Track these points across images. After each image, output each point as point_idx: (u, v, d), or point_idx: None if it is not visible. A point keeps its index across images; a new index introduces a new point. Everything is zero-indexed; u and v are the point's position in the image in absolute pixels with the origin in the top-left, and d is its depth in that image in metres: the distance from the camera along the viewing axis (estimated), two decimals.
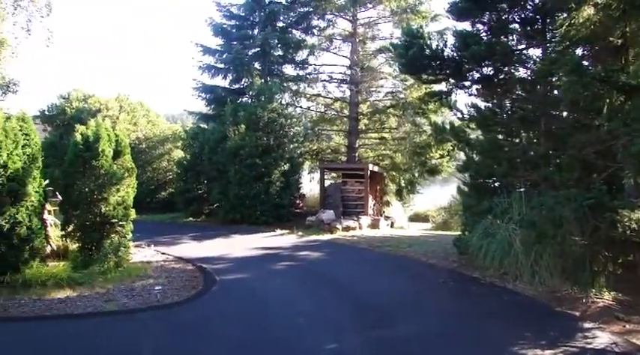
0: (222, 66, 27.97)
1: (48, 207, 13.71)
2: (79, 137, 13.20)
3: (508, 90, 13.79)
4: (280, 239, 19.22)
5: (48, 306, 10.89)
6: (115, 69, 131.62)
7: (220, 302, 11.37)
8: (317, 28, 28.46)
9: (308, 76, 28.43)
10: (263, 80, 26.19)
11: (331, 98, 29.61)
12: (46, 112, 34.15)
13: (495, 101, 13.98)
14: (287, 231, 20.68)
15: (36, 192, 12.20)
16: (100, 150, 12.84)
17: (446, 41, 13.56)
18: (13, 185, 11.65)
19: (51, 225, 13.98)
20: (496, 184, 13.82)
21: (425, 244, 18.14)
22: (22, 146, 12.12)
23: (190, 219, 25.34)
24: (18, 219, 11.63)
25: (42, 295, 11.44)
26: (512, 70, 13.63)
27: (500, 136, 14.01)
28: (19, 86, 17.66)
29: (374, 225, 22.98)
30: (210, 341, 8.92)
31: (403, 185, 29.02)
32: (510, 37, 13.65)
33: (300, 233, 20.13)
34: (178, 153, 30.62)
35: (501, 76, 13.69)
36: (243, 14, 28.38)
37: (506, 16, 13.42)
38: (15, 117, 12.77)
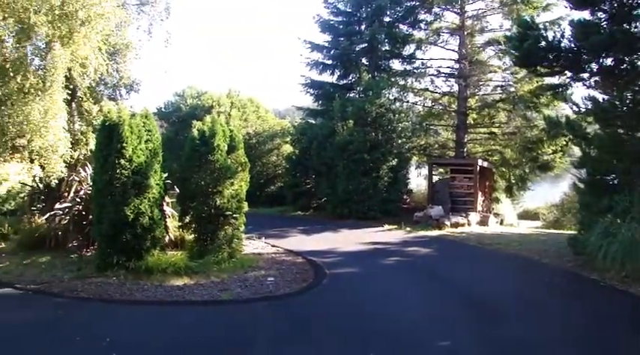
0: (329, 62, 28.30)
1: (167, 199, 14.44)
2: (195, 132, 13.82)
3: (630, 81, 13.04)
4: (388, 234, 19.23)
5: (168, 292, 11.55)
6: (226, 66, 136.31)
7: (331, 295, 11.58)
8: (424, 22, 28.10)
9: (415, 71, 28.19)
10: (370, 75, 26.23)
11: (439, 93, 29.18)
12: (163, 109, 35.99)
13: (616, 93, 13.26)
14: (395, 226, 20.64)
15: (157, 184, 12.92)
16: (215, 145, 13.37)
17: (563, 31, 13.04)
18: (138, 178, 12.43)
19: (169, 216, 14.73)
20: (615, 181, 13.12)
21: (536, 242, 17.55)
22: (145, 141, 12.89)
23: (299, 212, 25.84)
24: (141, 210, 12.39)
25: (162, 281, 12.14)
26: (636, 60, 12.87)
27: (621, 131, 13.28)
28: (140, 85, 18.65)
29: (483, 221, 22.48)
30: (323, 332, 9.12)
31: (513, 181, 28.18)
32: (634, 25, 12.88)
33: (407, 228, 20.04)
34: (287, 148, 31.28)
35: (623, 67, 12.97)
36: (350, 10, 28.53)
37: (630, 1, 12.67)
38: (139, 114, 13.58)
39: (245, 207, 14.01)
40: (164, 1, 18.32)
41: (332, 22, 28.48)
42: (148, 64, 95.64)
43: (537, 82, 22.27)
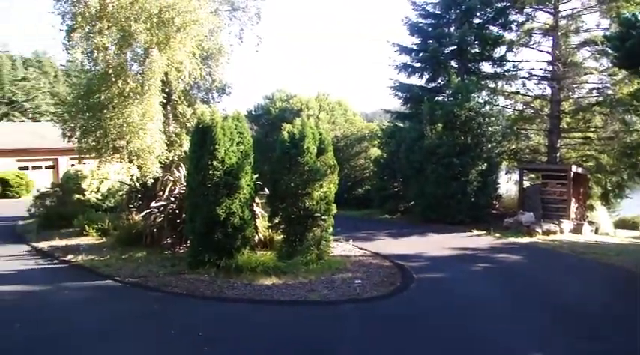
0: (418, 64, 27.97)
1: (257, 199, 14.73)
2: (285, 135, 14.02)
3: None
4: (476, 240, 18.81)
5: (257, 291, 11.79)
6: (315, 69, 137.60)
7: (419, 299, 11.46)
8: (515, 23, 27.21)
9: (506, 73, 27.39)
10: (460, 78, 25.74)
11: (530, 96, 28.19)
12: (253, 112, 36.74)
13: None
14: (483, 232, 20.17)
15: (248, 185, 13.21)
16: (305, 147, 13.52)
17: None
18: (229, 179, 12.76)
19: (259, 217, 15.02)
20: None
21: (635, 253, 16.69)
22: (237, 143, 13.22)
23: (386, 216, 25.70)
24: (232, 210, 12.71)
25: (251, 280, 12.40)
26: None
27: None
28: (232, 89, 19.16)
29: (576, 229, 21.55)
30: (410, 335, 9.07)
31: (609, 188, 26.81)
32: None
33: (497, 234, 19.53)
34: (375, 151, 31.18)
35: None
36: (439, 12, 28.08)
37: None
38: (231, 116, 13.95)
39: (334, 209, 14.07)
40: (254, 7, 18.82)
41: (421, 25, 28.16)
42: (239, 67, 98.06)
43: (638, 83, 21.18)
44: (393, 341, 8.85)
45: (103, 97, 15.49)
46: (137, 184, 18.23)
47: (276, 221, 14.35)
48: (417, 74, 27.99)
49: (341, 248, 16.33)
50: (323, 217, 13.84)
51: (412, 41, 28.34)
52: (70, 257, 15.62)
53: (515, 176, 27.49)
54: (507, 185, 29.87)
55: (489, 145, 23.77)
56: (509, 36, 27.23)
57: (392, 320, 9.99)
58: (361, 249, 16.58)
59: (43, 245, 17.70)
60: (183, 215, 14.52)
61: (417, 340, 8.88)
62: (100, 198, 22.88)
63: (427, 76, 27.94)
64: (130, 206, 18.45)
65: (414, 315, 10.28)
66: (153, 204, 15.87)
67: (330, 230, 14.24)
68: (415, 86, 28.14)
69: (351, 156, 32.72)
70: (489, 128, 23.66)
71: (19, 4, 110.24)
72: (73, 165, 34.12)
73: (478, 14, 27.30)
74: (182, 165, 16.35)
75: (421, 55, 27.60)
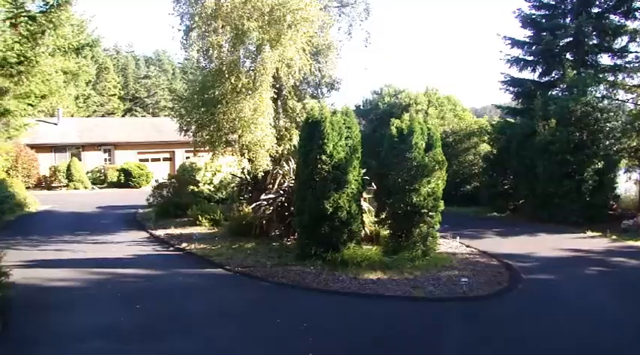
0: (530, 58, 26.98)
1: (364, 194, 14.81)
2: (393, 130, 13.99)
3: None
4: (590, 241, 17.92)
5: (362, 285, 11.88)
6: (423, 63, 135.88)
7: (526, 301, 11.12)
8: (639, 11, 25.61)
9: (627, 66, 25.79)
10: (575, 71, 24.57)
11: None
12: (361, 107, 36.90)
13: None
14: (598, 233, 19.18)
15: (355, 180, 13.32)
16: (413, 142, 13.45)
17: None
18: (337, 173, 12.93)
19: (365, 212, 15.09)
20: None
21: None
22: (345, 138, 13.34)
23: (494, 214, 25.03)
24: (340, 204, 12.86)
25: (357, 274, 12.50)
26: None
27: None
28: (341, 84, 19.31)
29: None
30: (515, 338, 8.84)
31: None
32: None
33: (613, 237, 18.51)
34: (484, 148, 30.45)
35: None
36: (554, 3, 26.88)
37: None
38: (339, 111, 14.10)
39: (441, 205, 13.90)
40: (363, 3, 18.90)
41: (534, 17, 27.09)
42: (348, 63, 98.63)
43: None
44: (497, 342, 8.67)
45: (217, 93, 16.14)
46: (248, 177, 18.84)
47: (383, 216, 14.39)
48: (529, 68, 27.01)
49: (447, 245, 16.11)
50: (430, 213, 13.70)
51: (524, 34, 27.37)
52: (184, 245, 16.44)
53: (636, 175, 25.89)
54: (626, 184, 28.22)
55: (607, 142, 22.54)
56: (632, 24, 25.60)
57: (497, 321, 9.78)
58: (468, 246, 16.28)
59: (160, 232, 18.73)
60: (292, 208, 14.85)
61: (521, 344, 8.63)
62: (213, 189, 23.87)
63: (540, 70, 26.89)
64: (241, 198, 19.11)
65: (520, 317, 9.98)
66: (262, 196, 16.36)
67: (437, 226, 14.07)
68: (527, 80, 27.18)
69: (459, 152, 32.09)
70: (607, 124, 22.43)
71: (142, 7, 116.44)
72: (187, 157, 35.86)
73: (597, 3, 25.89)
74: (291, 158, 16.72)
75: (534, 47, 26.61)
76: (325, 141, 12.90)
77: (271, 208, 16.02)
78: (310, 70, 16.80)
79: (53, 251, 15.87)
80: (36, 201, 27.38)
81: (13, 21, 10.41)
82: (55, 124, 42.05)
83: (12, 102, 10.61)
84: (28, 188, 32.39)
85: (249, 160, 17.24)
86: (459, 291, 11.52)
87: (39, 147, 38.19)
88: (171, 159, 43.52)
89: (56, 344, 8.65)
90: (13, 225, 20.89)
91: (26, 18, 10.52)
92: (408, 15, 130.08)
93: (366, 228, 15.02)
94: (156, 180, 25.63)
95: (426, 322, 9.74)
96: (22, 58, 10.21)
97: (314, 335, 8.83)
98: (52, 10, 10.69)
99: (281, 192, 16.02)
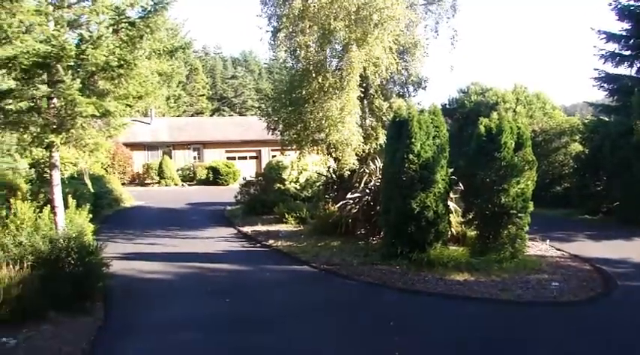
0: (627, 53, 25.70)
1: (450, 194, 14.62)
2: (482, 129, 13.73)
3: None
4: None
5: (448, 286, 11.75)
6: (512, 60, 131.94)
7: (622, 309, 10.62)
8: None
9: None
10: None
11: None
12: (447, 106, 36.40)
13: None
14: None
15: (442, 179, 13.17)
16: (502, 142, 13.15)
17: None
18: (424, 172, 12.84)
19: (452, 212, 14.89)
20: None
21: None
22: (433, 137, 13.23)
23: (585, 216, 24.07)
24: (427, 204, 12.76)
25: (443, 275, 12.36)
26: None
27: None
28: (427, 82, 19.15)
29: None
30: (609, 349, 8.48)
31: None
32: None
33: None
34: (576, 147, 29.35)
35: None
36: None
37: None
38: (427, 110, 13.99)
39: (530, 206, 13.52)
40: (450, 0, 18.64)
41: (632, 8, 25.71)
42: (434, 61, 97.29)
43: None
44: (589, 351, 8.36)
45: (304, 92, 16.39)
46: (333, 175, 19.00)
47: (470, 216, 14.18)
48: (625, 63, 25.73)
49: (536, 247, 15.63)
50: (519, 214, 13.35)
51: (621, 27, 26.04)
52: (270, 242, 16.79)
53: None
54: None
55: None
56: None
57: (590, 329, 9.39)
58: (558, 249, 15.73)
59: (247, 229, 19.21)
60: (378, 207, 14.88)
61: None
62: (299, 187, 24.23)
63: (638, 65, 25.59)
64: (326, 196, 19.31)
65: (614, 326, 9.53)
66: (348, 195, 16.44)
67: (526, 228, 13.69)
68: (624, 76, 25.94)
69: (549, 151, 31.03)
70: None
71: (230, 9, 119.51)
72: (274, 156, 36.56)
73: None
74: (377, 158, 16.72)
75: (632, 41, 25.32)
76: (413, 140, 12.83)
77: (357, 207, 16.09)
78: (397, 68, 16.75)
79: (147, 244, 16.63)
80: (130, 197, 28.77)
81: (115, 27, 10.99)
82: (148, 124, 43.86)
83: (112, 103, 11.15)
84: (123, 184, 34.10)
85: (336, 159, 17.40)
86: (549, 296, 11.18)
87: (133, 146, 39.99)
88: (257, 158, 44.47)
89: (153, 332, 9.15)
90: (110, 219, 22.01)
91: (126, 24, 11.09)
92: (496, 10, 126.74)
93: (452, 229, 14.81)
94: (243, 178, 26.25)
95: (515, 326, 9.52)
96: (122, 62, 10.73)
97: (400, 334, 8.84)
98: (150, 15, 11.20)
99: (367, 191, 16.05)
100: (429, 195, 12.80)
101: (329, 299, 11.25)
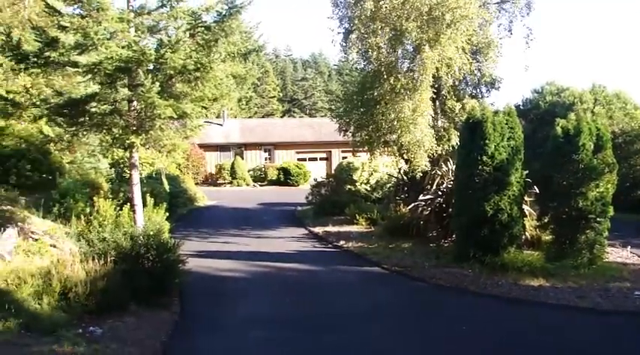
0: None
1: (525, 197, 14.29)
2: (559, 130, 13.34)
3: None
4: None
5: (523, 291, 11.51)
6: (590, 59, 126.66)
7: None
8: None
9: None
10: None
11: None
12: (521, 107, 35.57)
13: None
14: None
15: (517, 182, 12.90)
16: (580, 143, 12.73)
17: None
18: (498, 174, 12.62)
19: (526, 215, 14.55)
20: None
21: None
22: (507, 138, 12.98)
23: None
24: (500, 206, 12.55)
25: (516, 279, 12.11)
26: None
27: None
28: (501, 83, 18.75)
29: None
30: None
31: None
32: None
33: None
34: None
35: None
36: None
37: None
38: (501, 111, 13.75)
39: (610, 211, 12.99)
40: None
41: None
42: (507, 61, 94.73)
43: None
44: None
45: (375, 94, 16.41)
46: (405, 177, 18.91)
47: (545, 220, 13.78)
48: None
49: (616, 254, 15.05)
50: (598, 219, 12.86)
51: None
52: (341, 242, 16.89)
53: None
54: None
55: None
56: None
57: None
58: None
59: (318, 230, 19.37)
60: (450, 209, 14.73)
61: None
62: (369, 189, 24.26)
63: None
64: (397, 198, 19.24)
65: None
66: (420, 197, 16.34)
67: (605, 233, 13.16)
68: None
69: (630, 154, 29.86)
70: None
71: (300, 12, 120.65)
72: (344, 157, 36.68)
73: None
74: (450, 159, 16.54)
75: None
76: (486, 141, 12.63)
77: (429, 209, 15.97)
78: (470, 69, 16.53)
79: (221, 243, 17.04)
80: (204, 197, 29.51)
81: (192, 32, 11.37)
82: (221, 125, 44.79)
83: (189, 106, 11.53)
84: (196, 184, 35.01)
85: (407, 161, 17.32)
86: (631, 306, 10.70)
87: (206, 147, 40.95)
88: (327, 159, 44.68)
89: (227, 328, 9.44)
90: (185, 217, 22.63)
91: (202, 28, 11.45)
92: (572, 6, 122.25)
93: (526, 232, 14.47)
94: (314, 179, 26.52)
95: (594, 336, 9.20)
96: (198, 65, 11.09)
97: (473, 338, 8.75)
98: (225, 19, 11.53)
99: (439, 193, 15.91)
100: (503, 197, 12.57)
101: (400, 301, 11.28)
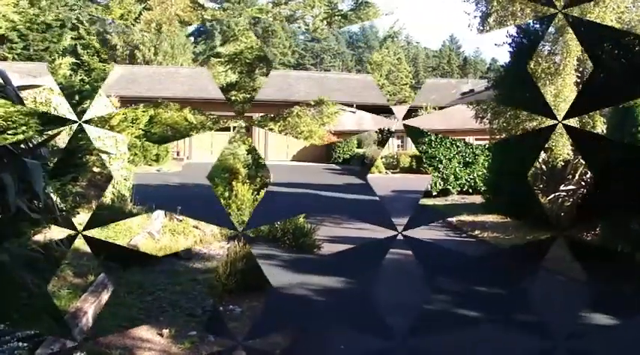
0: None
1: None
2: None
3: None
4: None
5: None
6: None
7: None
8: None
9: None
10: None
11: None
12: None
13: None
14: None
15: None
16: None
17: None
18: None
19: None
20: None
21: None
22: None
23: None
24: None
25: None
26: None
27: None
28: None
29: None
30: None
31: None
32: None
33: None
34: None
35: None
36: None
37: None
38: None
39: None
40: None
41: None
42: None
43: None
44: None
45: None
46: (543, 166, 18.03)
47: None
48: None
49: None
50: None
51: None
52: (476, 232, 16.42)
53: None
54: None
55: None
56: None
57: None
58: None
59: (452, 218, 18.91)
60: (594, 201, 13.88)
61: None
62: None
63: None
64: (535, 188, 18.37)
65: None
66: (561, 187, 15.54)
67: None
68: None
69: None
70: None
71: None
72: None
73: None
74: None
75: None
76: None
77: (570, 200, 15.13)
78: None
79: (355, 229, 17.06)
80: None
81: (329, 20, 11.51)
82: (353, 112, 45.02)
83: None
84: None
85: (547, 149, 16.50)
86: None
87: (339, 134, 41.36)
88: None
89: None
90: None
91: (339, 17, 11.56)
92: None
93: None
94: None
95: None
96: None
97: None
98: (361, 7, 11.56)
99: (582, 183, 15.03)
100: None
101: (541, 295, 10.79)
